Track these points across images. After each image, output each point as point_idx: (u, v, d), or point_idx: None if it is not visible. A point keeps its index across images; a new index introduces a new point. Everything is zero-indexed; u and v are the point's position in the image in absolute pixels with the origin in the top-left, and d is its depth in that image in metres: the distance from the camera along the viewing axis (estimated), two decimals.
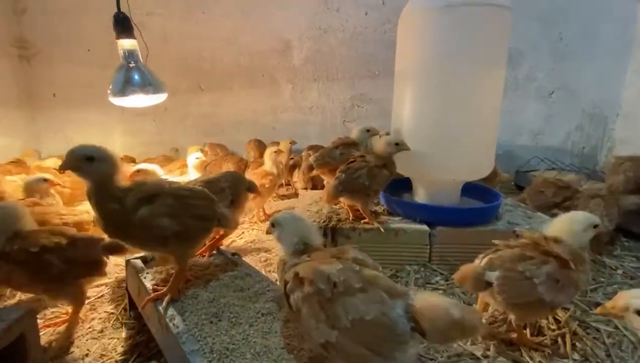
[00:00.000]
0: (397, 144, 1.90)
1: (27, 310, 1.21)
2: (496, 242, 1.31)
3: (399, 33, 2.09)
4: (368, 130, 2.39)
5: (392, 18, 4.04)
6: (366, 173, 1.88)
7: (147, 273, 1.47)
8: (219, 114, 4.58)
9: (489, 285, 1.19)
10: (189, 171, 2.92)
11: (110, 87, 2.48)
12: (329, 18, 4.12)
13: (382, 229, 1.89)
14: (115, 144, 4.79)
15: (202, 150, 3.99)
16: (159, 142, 4.67)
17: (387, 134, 2.25)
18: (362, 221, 1.98)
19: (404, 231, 1.91)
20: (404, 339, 0.84)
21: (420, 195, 2.16)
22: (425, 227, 1.91)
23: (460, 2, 1.76)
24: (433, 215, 1.95)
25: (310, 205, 2.27)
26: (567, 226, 1.29)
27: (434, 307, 0.86)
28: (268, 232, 1.21)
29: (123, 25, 2.41)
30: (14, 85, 4.48)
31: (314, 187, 3.10)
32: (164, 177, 2.69)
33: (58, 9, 4.38)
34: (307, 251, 1.08)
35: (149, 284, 1.38)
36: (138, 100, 2.48)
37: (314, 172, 2.28)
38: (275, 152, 2.88)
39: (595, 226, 1.27)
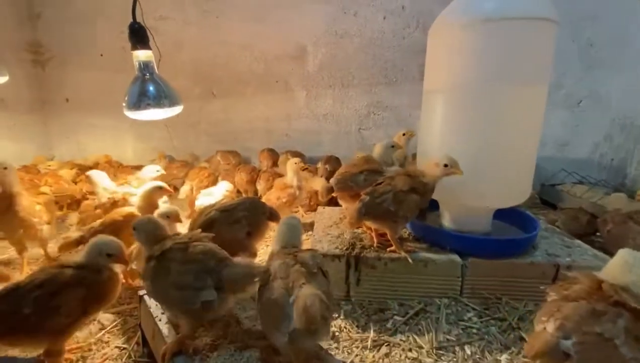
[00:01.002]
0: (446, 166, 1.71)
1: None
2: (550, 292, 1.17)
3: (430, 48, 1.95)
4: (392, 146, 2.25)
5: (412, 23, 3.89)
6: (392, 198, 1.75)
7: (162, 313, 1.38)
8: (232, 120, 4.49)
9: (566, 356, 1.03)
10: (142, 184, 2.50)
11: (125, 99, 2.39)
12: (346, 23, 3.99)
13: (410, 260, 1.76)
14: (127, 149, 4.75)
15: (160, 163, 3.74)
16: (170, 148, 4.61)
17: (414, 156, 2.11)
18: (388, 249, 1.85)
19: (434, 262, 1.78)
20: (288, 319, 1.09)
21: (448, 220, 2.02)
22: (457, 258, 1.78)
23: (500, 16, 1.61)
24: (465, 245, 1.81)
25: (330, 227, 2.15)
26: (630, 269, 1.14)
27: (301, 296, 1.09)
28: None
29: (139, 35, 2.31)
30: (27, 90, 4.47)
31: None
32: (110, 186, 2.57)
33: (72, 14, 4.34)
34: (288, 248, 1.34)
35: (165, 329, 1.28)
36: (153, 114, 2.39)
37: (333, 194, 2.14)
38: (296, 163, 2.78)
39: None
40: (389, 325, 1.67)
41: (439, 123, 1.90)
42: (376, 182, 1.84)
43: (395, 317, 1.71)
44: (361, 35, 4.01)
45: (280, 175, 3.84)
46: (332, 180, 2.05)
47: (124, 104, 2.38)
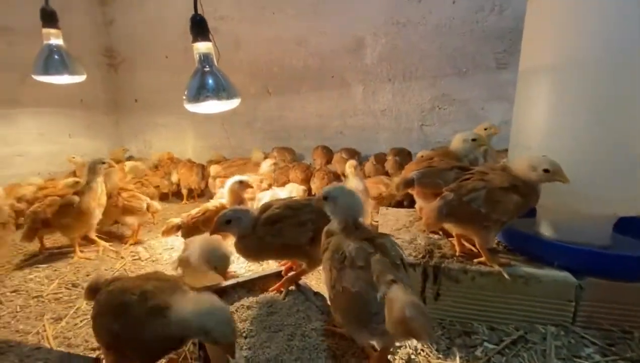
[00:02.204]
0: (546, 171, 1.39)
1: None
2: None
3: (531, 15, 1.61)
4: (474, 140, 1.91)
5: (486, 5, 3.46)
6: (484, 196, 1.44)
7: None
8: (286, 117, 4.42)
9: None
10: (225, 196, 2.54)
11: (186, 92, 2.38)
12: (409, 10, 3.68)
13: (506, 275, 1.44)
14: (187, 147, 4.92)
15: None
16: (226, 146, 4.67)
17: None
18: (475, 260, 1.54)
19: (537, 280, 1.43)
20: (375, 318, 0.96)
21: (551, 228, 1.65)
22: (569, 277, 1.41)
23: None
24: (583, 261, 1.43)
25: (398, 230, 1.89)
26: None
27: (396, 300, 0.91)
28: (318, 205, 1.26)
29: (200, 27, 2.28)
30: (102, 92, 4.83)
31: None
32: None
33: (140, 19, 4.60)
34: (354, 226, 1.18)
35: None
36: (211, 106, 2.34)
37: (410, 190, 1.86)
38: (354, 167, 2.58)
39: None
40: (478, 352, 1.38)
41: (544, 110, 1.55)
42: (467, 173, 1.55)
43: (486, 344, 1.41)
44: (426, 23, 3.66)
45: (335, 174, 3.66)
46: (414, 174, 1.77)
47: (184, 97, 2.37)
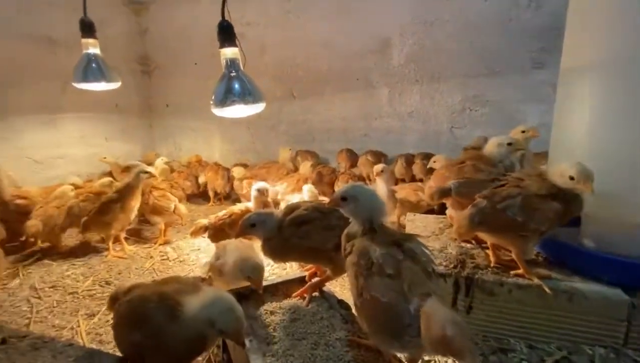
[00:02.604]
0: (571, 179, 1.29)
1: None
2: None
3: (572, 11, 1.50)
4: (510, 144, 1.78)
5: (521, 1, 3.28)
6: (520, 204, 1.34)
7: None
8: (310, 120, 4.41)
9: None
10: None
11: (213, 97, 2.43)
12: (437, 8, 3.56)
13: (546, 289, 1.33)
14: (215, 150, 5.04)
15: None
16: (252, 150, 4.74)
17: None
18: (512, 272, 1.44)
19: (583, 296, 1.31)
20: (408, 331, 0.91)
21: (596, 239, 1.51)
22: (621, 294, 1.28)
23: None
24: (635, 276, 1.29)
25: (427, 238, 1.81)
26: None
27: (435, 316, 0.86)
28: (336, 205, 1.16)
29: (227, 32, 2.32)
30: (137, 97, 5.06)
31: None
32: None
33: (172, 28, 4.78)
34: (375, 228, 1.10)
35: (247, 341, 1.13)
36: (238, 111, 2.37)
37: (444, 200, 1.77)
38: (381, 170, 2.52)
39: None
40: None
41: (587, 111, 1.43)
42: (503, 179, 1.45)
43: None
44: (455, 21, 3.53)
45: (360, 178, 3.61)
46: (451, 184, 1.69)
47: (211, 102, 2.42)
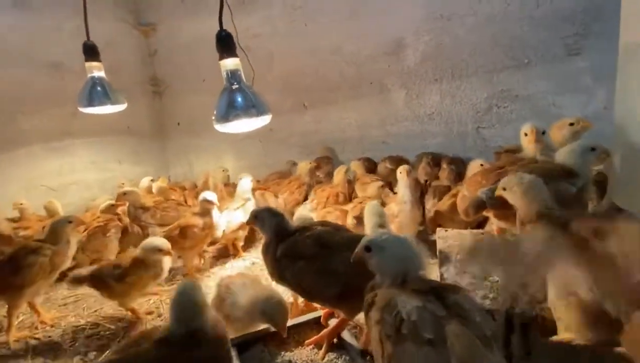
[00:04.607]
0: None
1: None
2: None
3: None
4: (593, 149, 1.38)
5: None
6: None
7: None
8: (323, 130, 4.20)
9: None
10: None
11: (215, 112, 2.26)
12: (453, 2, 3.29)
13: None
14: (227, 167, 4.91)
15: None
16: (264, 164, 4.56)
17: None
18: None
19: None
20: None
21: None
22: None
23: None
24: None
25: (464, 262, 1.50)
26: None
27: None
28: (359, 257, 0.94)
29: (226, 43, 2.16)
30: (148, 118, 5.03)
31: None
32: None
33: (180, 46, 4.74)
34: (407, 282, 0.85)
35: None
36: (241, 125, 2.20)
37: (479, 214, 1.47)
38: (401, 171, 2.23)
39: None
40: None
41: None
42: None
43: None
44: (475, 14, 3.24)
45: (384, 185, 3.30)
46: (482, 193, 1.39)
47: (213, 118, 2.25)
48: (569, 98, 3.01)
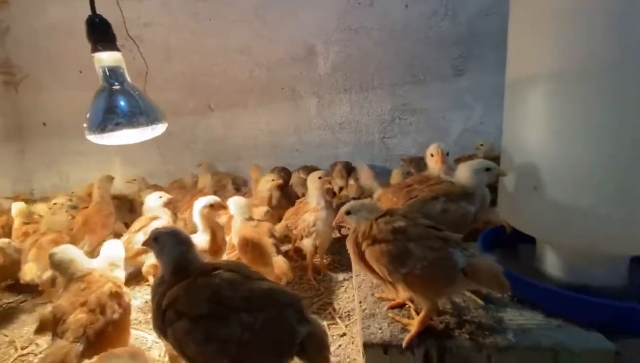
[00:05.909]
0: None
1: None
2: None
3: (515, 14, 1.33)
4: (488, 169, 1.45)
5: (439, 10, 3.29)
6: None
7: None
8: (233, 136, 3.89)
9: None
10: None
11: (87, 118, 1.80)
12: (361, 15, 3.39)
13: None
14: (116, 176, 4.14)
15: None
16: (163, 172, 3.99)
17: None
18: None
19: (569, 353, 1.11)
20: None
21: (556, 267, 1.37)
22: (607, 343, 1.11)
23: None
24: (616, 318, 1.14)
25: (381, 287, 1.49)
26: None
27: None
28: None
29: (100, 31, 1.73)
30: (1, 116, 3.90)
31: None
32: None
33: (43, 27, 3.79)
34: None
35: None
36: (124, 137, 1.79)
37: None
38: (320, 177, 2.15)
39: None
40: None
41: (546, 127, 1.26)
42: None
43: None
44: (380, 29, 3.41)
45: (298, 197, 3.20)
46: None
47: (84, 125, 1.80)
48: (455, 113, 3.42)
